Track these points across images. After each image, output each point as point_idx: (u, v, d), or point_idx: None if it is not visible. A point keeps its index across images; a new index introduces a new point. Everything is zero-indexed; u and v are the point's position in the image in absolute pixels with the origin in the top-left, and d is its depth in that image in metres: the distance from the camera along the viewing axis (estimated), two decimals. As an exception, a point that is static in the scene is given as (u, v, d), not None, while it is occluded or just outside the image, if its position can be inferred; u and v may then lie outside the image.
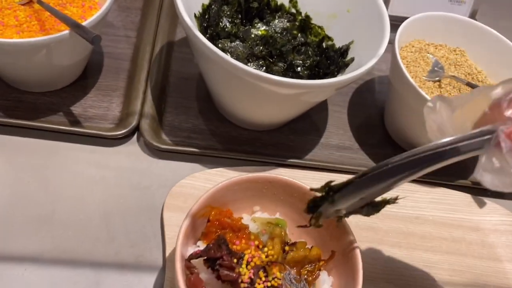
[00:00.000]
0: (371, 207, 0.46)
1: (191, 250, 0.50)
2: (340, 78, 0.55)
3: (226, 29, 0.68)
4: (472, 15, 0.86)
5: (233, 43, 0.67)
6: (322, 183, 0.44)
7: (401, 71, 0.65)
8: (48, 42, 0.56)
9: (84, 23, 0.56)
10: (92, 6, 0.66)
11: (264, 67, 0.68)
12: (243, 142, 0.70)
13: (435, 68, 0.71)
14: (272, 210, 0.57)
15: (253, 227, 0.53)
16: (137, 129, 0.67)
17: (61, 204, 0.60)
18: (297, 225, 0.50)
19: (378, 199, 0.46)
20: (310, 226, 0.46)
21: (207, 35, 0.67)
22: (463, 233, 0.68)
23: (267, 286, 0.46)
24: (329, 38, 0.71)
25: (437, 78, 0.70)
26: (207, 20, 0.67)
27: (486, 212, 0.70)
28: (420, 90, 0.63)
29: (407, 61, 0.71)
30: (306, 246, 0.52)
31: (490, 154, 0.33)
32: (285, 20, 0.72)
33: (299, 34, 0.72)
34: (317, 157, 0.71)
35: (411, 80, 0.64)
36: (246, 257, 0.47)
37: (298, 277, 0.48)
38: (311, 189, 0.44)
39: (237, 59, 0.55)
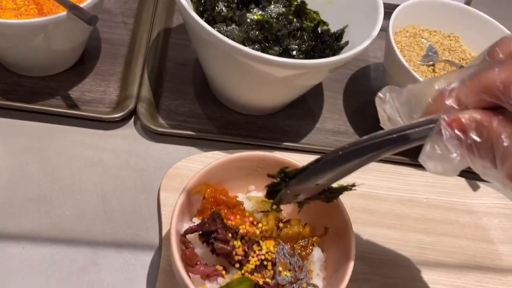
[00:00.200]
0: (330, 193, 0.47)
1: (186, 226, 0.50)
2: (334, 58, 0.56)
3: (222, 13, 0.69)
4: (467, 2, 0.87)
5: (229, 27, 0.68)
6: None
7: (395, 55, 0.66)
8: (45, 24, 0.56)
9: (81, 5, 0.57)
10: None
11: (260, 51, 0.69)
12: (239, 126, 0.71)
13: (429, 53, 0.72)
14: (267, 189, 0.57)
15: (248, 206, 0.54)
16: (134, 112, 0.68)
17: (59, 185, 0.61)
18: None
19: (336, 185, 0.47)
20: (272, 211, 0.47)
21: (203, 19, 0.68)
22: (456, 215, 0.69)
23: (261, 259, 0.47)
24: (324, 23, 0.72)
25: (431, 63, 0.71)
26: (203, 4, 0.68)
27: (479, 195, 0.71)
28: (414, 73, 0.63)
29: (401, 45, 0.72)
30: (300, 223, 0.52)
31: (433, 142, 0.34)
32: (281, 5, 0.73)
33: (294, 19, 0.72)
34: (312, 141, 0.72)
35: (405, 64, 0.64)
36: (241, 232, 0.48)
37: (292, 251, 0.49)
38: (268, 175, 0.45)
39: (232, 42, 0.56)
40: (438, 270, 0.63)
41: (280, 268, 0.47)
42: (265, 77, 0.59)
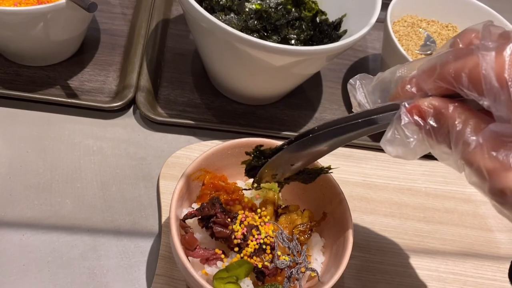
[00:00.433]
0: (307, 175, 0.48)
1: (186, 212, 0.51)
2: (331, 45, 0.56)
3: (221, 3, 0.69)
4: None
5: (227, 16, 0.68)
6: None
7: (393, 44, 0.66)
8: (45, 11, 0.57)
9: (80, -6, 0.57)
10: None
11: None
12: (238, 115, 0.71)
13: (427, 42, 0.72)
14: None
15: (247, 192, 0.54)
16: (133, 102, 0.68)
17: (59, 173, 0.61)
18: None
19: (313, 167, 0.48)
20: (252, 189, 0.49)
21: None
22: (455, 204, 0.69)
23: (260, 243, 0.47)
24: (323, 13, 0.72)
25: (429, 52, 0.71)
26: (201, -6, 0.69)
27: (478, 184, 0.71)
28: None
29: (399, 34, 0.72)
30: (299, 209, 0.53)
31: (393, 127, 0.36)
32: (279, -5, 0.73)
33: (293, 9, 0.73)
34: (311, 130, 0.72)
35: (404, 52, 0.65)
36: (240, 216, 0.48)
37: (290, 236, 0.49)
38: (246, 153, 0.47)
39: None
40: (437, 257, 0.63)
41: (279, 253, 0.47)
42: (263, 65, 0.59)
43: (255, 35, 0.69)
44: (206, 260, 0.47)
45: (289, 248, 0.48)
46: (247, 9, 0.71)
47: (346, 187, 0.64)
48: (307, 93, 0.77)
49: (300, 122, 0.73)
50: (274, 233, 0.48)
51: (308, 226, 0.50)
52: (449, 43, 0.36)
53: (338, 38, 0.67)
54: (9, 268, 0.53)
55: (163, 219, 0.58)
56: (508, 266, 0.64)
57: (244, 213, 0.49)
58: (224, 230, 0.46)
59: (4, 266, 0.53)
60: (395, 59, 0.67)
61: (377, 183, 0.69)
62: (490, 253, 0.65)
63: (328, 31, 0.69)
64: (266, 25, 0.70)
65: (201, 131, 0.69)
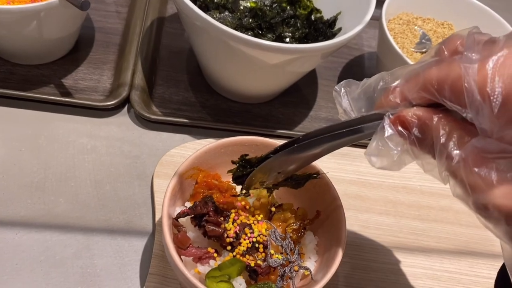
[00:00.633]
0: (295, 181, 0.48)
1: (179, 210, 0.50)
2: (326, 42, 0.56)
3: (215, 1, 0.69)
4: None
5: (221, 14, 0.68)
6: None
7: (388, 41, 0.66)
8: (38, 9, 0.57)
9: (73, -8, 0.57)
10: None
11: (253, 38, 0.69)
12: (233, 114, 0.71)
13: (423, 40, 0.72)
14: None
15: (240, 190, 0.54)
16: (127, 100, 0.68)
17: (52, 172, 0.61)
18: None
19: (301, 173, 0.48)
20: (241, 195, 0.48)
21: (196, 6, 0.68)
22: (450, 202, 0.69)
23: (252, 241, 0.47)
24: (318, 11, 0.72)
25: (424, 50, 0.71)
26: (196, -8, 0.68)
27: (473, 182, 0.71)
28: (407, 59, 0.63)
29: (394, 32, 0.72)
30: (292, 207, 0.53)
31: (377, 138, 0.35)
32: (274, -7, 0.73)
33: (288, 7, 0.72)
34: (306, 129, 0.72)
35: (398, 50, 0.64)
36: (233, 215, 0.48)
37: (284, 235, 0.49)
38: (232, 162, 0.46)
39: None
40: (432, 256, 0.63)
41: (272, 251, 0.47)
42: (258, 63, 0.59)
43: (249, 33, 0.69)
44: (199, 259, 0.47)
45: (282, 246, 0.48)
46: (241, 7, 0.71)
47: (340, 185, 0.64)
48: (302, 91, 0.77)
49: (296, 120, 0.73)
50: (267, 232, 0.48)
51: (302, 224, 0.50)
52: (434, 50, 0.36)
53: (333, 36, 0.67)
54: (2, 268, 0.53)
55: (157, 218, 0.58)
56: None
57: (237, 212, 0.49)
58: (217, 229, 0.46)
59: (-3, 265, 0.53)
60: (391, 57, 0.66)
61: (372, 181, 0.68)
62: (485, 251, 0.65)
63: (323, 29, 0.69)
64: (261, 23, 0.70)
65: (196, 130, 0.69)
